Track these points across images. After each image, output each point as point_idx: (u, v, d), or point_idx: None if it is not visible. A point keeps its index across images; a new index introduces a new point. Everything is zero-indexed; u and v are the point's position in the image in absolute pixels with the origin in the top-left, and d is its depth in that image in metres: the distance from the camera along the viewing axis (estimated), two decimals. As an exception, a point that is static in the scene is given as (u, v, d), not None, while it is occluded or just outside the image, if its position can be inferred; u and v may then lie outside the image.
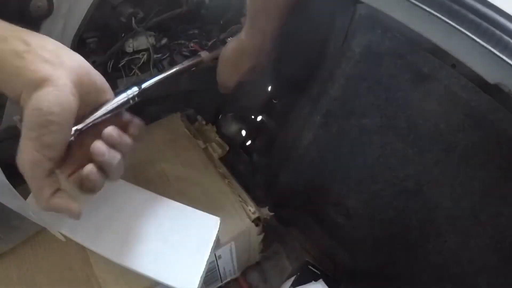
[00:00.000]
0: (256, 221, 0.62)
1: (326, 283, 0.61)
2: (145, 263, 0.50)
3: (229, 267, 0.67)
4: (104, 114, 0.40)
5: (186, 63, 0.62)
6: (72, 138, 0.37)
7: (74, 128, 0.37)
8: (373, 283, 0.69)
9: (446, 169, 0.50)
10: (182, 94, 0.78)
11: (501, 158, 0.44)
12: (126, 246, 0.52)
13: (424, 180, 0.54)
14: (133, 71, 0.66)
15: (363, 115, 0.56)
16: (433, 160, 0.51)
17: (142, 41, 0.63)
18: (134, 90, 0.44)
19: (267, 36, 0.57)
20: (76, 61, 0.36)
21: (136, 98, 0.44)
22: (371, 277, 0.70)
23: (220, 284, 0.70)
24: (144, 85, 0.47)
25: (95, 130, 0.38)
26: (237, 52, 0.61)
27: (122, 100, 0.42)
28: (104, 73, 0.62)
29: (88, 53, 0.61)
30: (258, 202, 0.66)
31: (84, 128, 0.38)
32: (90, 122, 0.39)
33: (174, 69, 0.59)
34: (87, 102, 0.37)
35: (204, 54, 0.63)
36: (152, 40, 0.65)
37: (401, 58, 0.47)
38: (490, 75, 0.38)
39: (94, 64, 0.62)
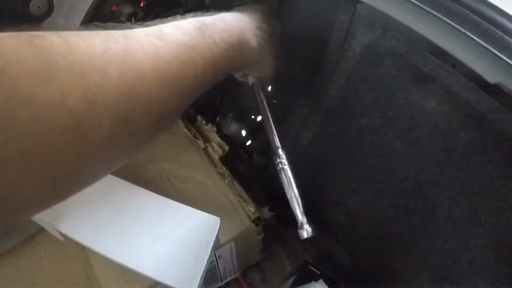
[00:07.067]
0: (256, 221, 0.62)
1: (326, 283, 0.61)
2: (145, 263, 0.50)
3: (229, 267, 0.67)
4: None
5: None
6: None
7: None
8: (373, 283, 0.69)
9: (446, 169, 0.50)
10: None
11: (501, 158, 0.44)
12: (126, 246, 0.52)
13: (424, 180, 0.54)
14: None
15: (363, 115, 0.56)
16: (433, 160, 0.51)
17: (142, 41, 0.63)
18: None
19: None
20: None
21: None
22: (371, 277, 0.70)
23: (220, 284, 0.70)
24: None
25: None
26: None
27: None
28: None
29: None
30: (258, 202, 0.66)
31: None
32: None
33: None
34: None
35: None
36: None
37: (401, 58, 0.47)
38: (490, 75, 0.38)
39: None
